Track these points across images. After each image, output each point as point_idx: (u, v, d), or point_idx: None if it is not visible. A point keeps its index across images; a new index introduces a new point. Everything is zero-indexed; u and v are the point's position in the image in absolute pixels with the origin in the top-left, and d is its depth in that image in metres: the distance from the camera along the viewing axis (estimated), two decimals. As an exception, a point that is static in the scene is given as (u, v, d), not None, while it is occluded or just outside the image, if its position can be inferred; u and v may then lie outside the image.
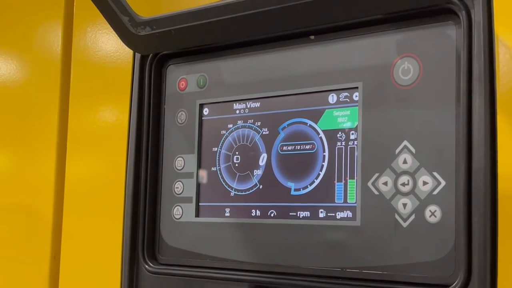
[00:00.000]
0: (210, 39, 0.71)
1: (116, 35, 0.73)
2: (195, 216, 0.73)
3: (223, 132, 0.73)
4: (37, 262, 0.86)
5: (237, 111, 0.72)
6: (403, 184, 0.60)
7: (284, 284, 0.65)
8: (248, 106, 0.71)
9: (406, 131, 0.60)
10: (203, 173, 0.74)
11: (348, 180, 0.63)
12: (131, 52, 0.80)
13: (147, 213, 0.76)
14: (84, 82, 0.86)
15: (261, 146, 0.70)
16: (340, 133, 0.65)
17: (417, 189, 0.59)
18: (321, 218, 0.65)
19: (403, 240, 0.59)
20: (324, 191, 0.65)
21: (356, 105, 0.64)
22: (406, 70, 0.61)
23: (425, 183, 0.59)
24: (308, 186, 0.66)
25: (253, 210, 0.69)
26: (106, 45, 0.84)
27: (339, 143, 0.64)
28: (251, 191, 0.70)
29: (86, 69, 0.86)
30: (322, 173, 0.65)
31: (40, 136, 0.89)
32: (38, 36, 0.93)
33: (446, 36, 0.59)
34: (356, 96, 0.64)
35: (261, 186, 0.69)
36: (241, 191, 0.70)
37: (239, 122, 0.72)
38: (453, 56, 0.58)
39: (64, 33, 0.90)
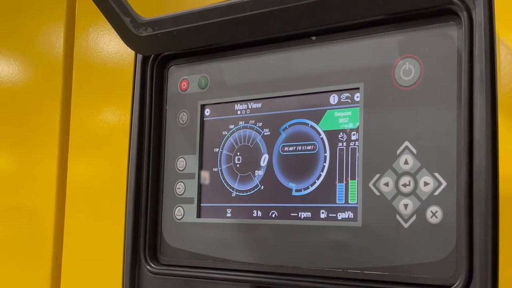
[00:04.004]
0: (211, 40, 0.71)
1: (118, 36, 0.73)
2: (197, 217, 0.73)
3: (224, 132, 0.73)
4: (39, 262, 0.86)
5: (239, 112, 0.72)
6: (404, 185, 0.60)
7: (285, 285, 0.65)
8: (250, 107, 0.71)
9: (407, 132, 0.60)
10: (204, 174, 0.74)
11: (349, 181, 0.63)
12: (132, 53, 0.80)
13: (149, 214, 0.76)
14: (86, 83, 0.86)
15: (263, 146, 0.70)
16: (341, 133, 0.65)
17: (418, 189, 0.59)
18: (322, 219, 0.65)
19: (404, 241, 0.59)
20: (325, 192, 0.65)
21: (358, 106, 0.64)
22: (407, 71, 0.61)
23: (426, 183, 0.59)
24: (310, 186, 0.66)
25: (255, 211, 0.69)
26: (108, 46, 0.84)
27: (340, 144, 0.64)
28: (252, 191, 0.70)
29: (88, 70, 0.86)
30: (323, 174, 0.65)
31: (42, 137, 0.90)
32: (40, 37, 0.94)
33: (447, 37, 0.59)
34: (357, 96, 0.64)
35: (262, 187, 0.69)
36: (243, 191, 0.70)
37: (240, 122, 0.72)
38: (454, 56, 0.58)
39: (66, 34, 0.90)
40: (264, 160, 0.69)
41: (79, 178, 0.85)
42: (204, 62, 0.75)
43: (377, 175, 0.61)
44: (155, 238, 0.76)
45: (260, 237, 0.68)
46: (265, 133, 0.70)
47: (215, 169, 0.73)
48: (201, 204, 0.73)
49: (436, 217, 0.58)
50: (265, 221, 0.68)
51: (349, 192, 0.63)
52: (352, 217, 0.63)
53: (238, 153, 0.71)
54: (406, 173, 0.60)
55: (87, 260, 0.82)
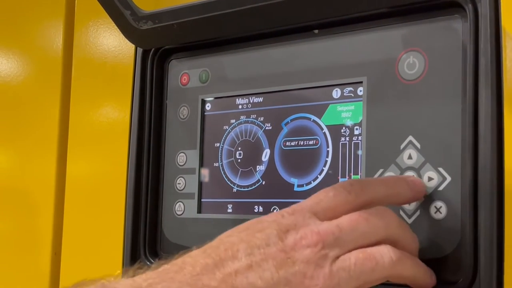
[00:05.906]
0: (213, 33, 0.71)
1: (118, 30, 0.73)
2: (197, 212, 0.73)
3: (225, 127, 0.72)
4: (38, 258, 0.86)
5: (240, 106, 0.71)
6: (408, 180, 0.59)
7: (287, 281, 0.64)
8: (251, 101, 0.71)
9: (411, 126, 0.59)
10: (205, 169, 0.73)
11: (352, 176, 0.63)
12: (133, 46, 0.79)
13: (149, 209, 0.75)
14: (86, 78, 0.86)
15: (264, 141, 0.69)
16: (344, 128, 0.64)
17: (422, 185, 0.59)
18: (324, 215, 0.64)
19: (407, 237, 0.59)
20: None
21: (361, 100, 0.63)
22: (411, 65, 0.60)
23: (430, 178, 0.58)
24: (312, 182, 0.65)
25: (256, 206, 0.69)
26: (108, 39, 0.84)
27: (343, 139, 0.64)
28: (253, 187, 0.69)
29: (87, 64, 0.86)
30: (325, 169, 0.64)
31: (41, 132, 0.89)
32: (40, 32, 0.93)
33: (452, 30, 0.58)
34: (360, 91, 0.63)
35: (264, 182, 0.69)
36: (244, 187, 0.70)
37: (241, 117, 0.71)
38: (459, 50, 0.58)
39: (65, 28, 0.90)
40: (265, 155, 0.69)
41: (79, 173, 0.85)
42: (205, 56, 0.75)
43: (381, 170, 0.61)
44: (155, 233, 0.75)
45: (262, 233, 0.67)
46: (267, 128, 0.69)
47: (216, 164, 0.72)
48: (202, 200, 0.73)
49: (440, 213, 0.57)
50: (266, 217, 0.67)
51: (352, 188, 0.62)
52: (354, 212, 0.62)
53: (239, 148, 0.71)
54: (410, 168, 0.59)
55: (87, 255, 0.81)
